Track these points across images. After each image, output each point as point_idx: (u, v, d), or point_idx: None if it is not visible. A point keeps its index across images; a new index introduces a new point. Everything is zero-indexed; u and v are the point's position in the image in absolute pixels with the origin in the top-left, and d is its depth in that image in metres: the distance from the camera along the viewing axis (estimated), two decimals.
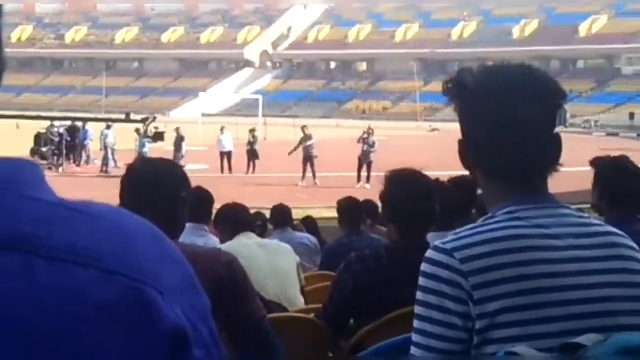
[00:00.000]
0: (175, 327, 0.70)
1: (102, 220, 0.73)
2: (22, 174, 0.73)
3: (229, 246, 4.43)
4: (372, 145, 23.20)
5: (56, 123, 29.52)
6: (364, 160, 23.02)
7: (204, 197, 4.97)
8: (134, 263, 0.70)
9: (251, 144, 26.72)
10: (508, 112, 1.65)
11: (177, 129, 26.61)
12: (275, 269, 4.62)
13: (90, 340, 0.66)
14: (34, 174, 0.74)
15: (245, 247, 4.52)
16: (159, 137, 26.60)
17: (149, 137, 26.34)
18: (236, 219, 4.99)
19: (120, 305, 0.67)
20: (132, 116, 33.25)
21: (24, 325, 0.64)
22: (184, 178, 2.77)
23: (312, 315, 3.78)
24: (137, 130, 26.94)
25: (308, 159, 23.81)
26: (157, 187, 2.61)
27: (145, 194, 2.58)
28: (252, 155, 26.51)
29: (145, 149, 25.30)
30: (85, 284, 0.67)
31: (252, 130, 27.59)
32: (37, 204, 0.70)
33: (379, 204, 3.61)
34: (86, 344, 0.65)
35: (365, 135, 23.64)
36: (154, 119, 28.50)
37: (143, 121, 27.74)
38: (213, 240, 5.04)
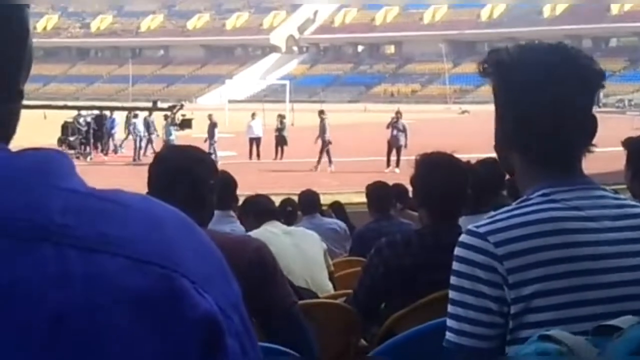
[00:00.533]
0: (207, 316, 0.69)
1: (133, 209, 0.72)
2: (52, 164, 0.72)
3: (255, 234, 4.44)
4: (403, 130, 23.06)
5: (83, 112, 29.65)
6: (393, 144, 22.93)
7: (227, 182, 4.95)
8: (165, 251, 0.70)
9: (279, 130, 26.69)
10: (548, 89, 1.62)
11: (210, 116, 26.26)
12: (302, 255, 4.62)
13: (122, 329, 0.66)
14: (63, 164, 0.74)
15: (271, 234, 4.52)
16: (186, 124, 26.54)
17: (176, 124, 26.29)
18: (260, 209, 4.99)
19: (151, 293, 0.67)
20: (159, 104, 33.31)
21: (57, 313, 0.64)
22: (212, 165, 2.78)
23: (341, 300, 3.77)
24: (166, 117, 26.92)
25: (324, 143, 23.86)
26: (186, 175, 2.61)
27: (174, 182, 2.58)
28: (281, 141, 26.49)
29: (172, 137, 25.29)
30: (117, 272, 0.67)
31: (281, 116, 27.54)
32: (67, 194, 0.70)
33: (409, 188, 3.58)
34: (118, 332, 0.65)
35: (395, 120, 23.55)
36: (181, 106, 28.49)
37: (170, 109, 27.75)
38: (240, 226, 5.05)
